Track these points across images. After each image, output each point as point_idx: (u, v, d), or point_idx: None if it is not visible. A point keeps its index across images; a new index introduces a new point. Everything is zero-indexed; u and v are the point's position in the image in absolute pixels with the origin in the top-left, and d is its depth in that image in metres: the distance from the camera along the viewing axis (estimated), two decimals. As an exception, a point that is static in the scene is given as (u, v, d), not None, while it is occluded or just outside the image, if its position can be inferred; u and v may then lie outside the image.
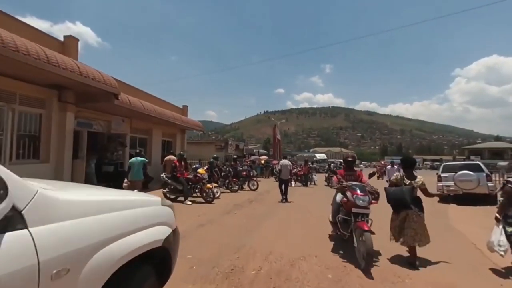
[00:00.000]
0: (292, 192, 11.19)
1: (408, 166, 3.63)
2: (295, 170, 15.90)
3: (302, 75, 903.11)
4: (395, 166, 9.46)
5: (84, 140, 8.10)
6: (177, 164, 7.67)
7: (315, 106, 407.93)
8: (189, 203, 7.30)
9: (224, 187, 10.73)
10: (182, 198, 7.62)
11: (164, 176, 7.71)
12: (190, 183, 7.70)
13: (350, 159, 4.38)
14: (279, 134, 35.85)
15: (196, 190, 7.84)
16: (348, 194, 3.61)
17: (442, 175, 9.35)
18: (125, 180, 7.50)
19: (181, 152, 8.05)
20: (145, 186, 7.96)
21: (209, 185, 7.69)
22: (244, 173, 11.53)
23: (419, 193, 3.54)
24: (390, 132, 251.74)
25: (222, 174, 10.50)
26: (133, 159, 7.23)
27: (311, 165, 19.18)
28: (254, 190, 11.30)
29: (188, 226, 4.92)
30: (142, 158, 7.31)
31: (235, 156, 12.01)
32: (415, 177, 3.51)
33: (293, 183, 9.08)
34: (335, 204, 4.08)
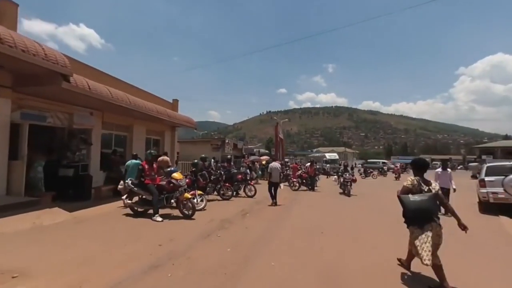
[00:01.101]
0: (298, 200, 9.28)
1: (421, 169, 3.01)
2: (299, 172, 14.05)
3: (304, 75, 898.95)
4: (449, 170, 7.27)
5: (24, 136, 6.27)
6: (145, 167, 5.82)
7: (317, 106, 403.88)
8: (160, 219, 5.44)
9: (216, 193, 8.88)
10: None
11: (130, 182, 5.87)
12: (164, 192, 5.84)
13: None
14: (282, 133, 33.79)
15: (172, 201, 5.98)
16: None
17: (487, 179, 7.41)
18: (121, 182, 6.96)
19: (151, 151, 6.14)
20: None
21: (187, 194, 5.81)
22: (240, 176, 9.66)
23: None
24: (394, 131, 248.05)
25: (212, 178, 8.63)
26: (129, 161, 7.24)
27: (316, 166, 17.31)
28: (251, 196, 9.42)
29: (129, 272, 3.06)
30: (137, 161, 7.17)
31: (229, 156, 10.15)
32: (430, 182, 2.93)
33: (281, 185, 8.15)
34: None
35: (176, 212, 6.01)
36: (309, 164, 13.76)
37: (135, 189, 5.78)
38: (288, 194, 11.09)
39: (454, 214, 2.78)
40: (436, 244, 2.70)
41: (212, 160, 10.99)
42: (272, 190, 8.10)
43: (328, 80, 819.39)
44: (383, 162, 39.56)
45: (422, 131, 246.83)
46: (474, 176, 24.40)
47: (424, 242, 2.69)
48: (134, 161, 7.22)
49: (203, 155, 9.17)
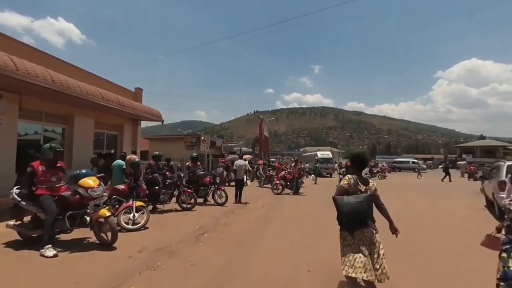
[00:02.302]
0: (281, 208, 7.40)
1: (359, 166, 2.59)
2: (283, 172, 12.31)
3: (291, 76, 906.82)
4: None
5: None
6: (37, 169, 3.72)
7: (304, 106, 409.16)
8: (51, 254, 3.37)
9: (180, 202, 6.85)
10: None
11: (15, 193, 3.76)
12: (70, 208, 3.77)
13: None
14: (267, 131, 31.80)
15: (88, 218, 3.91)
16: None
17: (487, 182, 5.96)
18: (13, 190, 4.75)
19: (52, 144, 3.91)
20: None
21: (104, 211, 3.76)
22: (207, 178, 7.68)
23: None
24: (377, 131, 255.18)
25: (168, 182, 6.60)
26: (115, 162, 6.69)
27: (301, 166, 15.71)
28: (222, 204, 7.49)
29: None
30: (122, 162, 6.65)
31: (194, 155, 8.12)
32: (368, 181, 2.53)
33: (248, 182, 7.20)
34: None
35: (93, 238, 3.97)
36: (293, 163, 12.04)
37: (23, 203, 3.68)
38: (269, 200, 9.26)
39: (387, 216, 2.50)
40: (371, 255, 2.30)
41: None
42: (237, 189, 7.97)
43: (315, 81, 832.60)
44: (413, 161, 33.32)
45: (404, 132, 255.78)
46: (462, 175, 23.96)
47: (350, 251, 2.31)
48: (119, 161, 6.54)
49: (156, 153, 7.09)
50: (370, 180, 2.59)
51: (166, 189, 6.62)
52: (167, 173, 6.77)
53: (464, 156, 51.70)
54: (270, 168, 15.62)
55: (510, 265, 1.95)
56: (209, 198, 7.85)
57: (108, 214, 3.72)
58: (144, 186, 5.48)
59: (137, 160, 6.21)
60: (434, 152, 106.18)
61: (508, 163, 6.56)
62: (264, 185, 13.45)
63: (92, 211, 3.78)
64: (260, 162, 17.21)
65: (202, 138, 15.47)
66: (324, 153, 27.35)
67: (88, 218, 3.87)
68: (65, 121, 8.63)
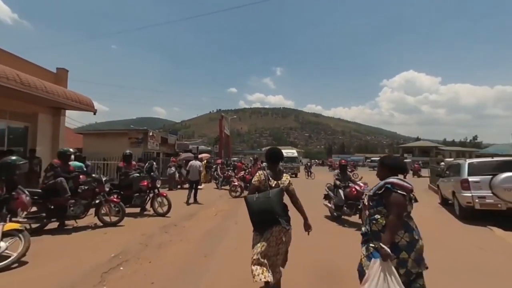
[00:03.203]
0: (236, 218, 6.15)
1: (274, 161, 2.44)
2: (242, 173, 11.19)
3: (254, 76, 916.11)
4: None
5: None
6: None
7: (267, 106, 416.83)
8: None
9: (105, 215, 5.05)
10: None
11: None
12: None
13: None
14: (228, 129, 30.27)
15: None
16: None
17: (471, 179, 5.83)
18: None
19: None
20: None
21: None
22: (144, 182, 6.02)
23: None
24: (333, 133, 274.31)
25: (82, 189, 4.79)
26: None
27: (262, 165, 14.83)
28: (163, 214, 5.94)
29: None
30: (79, 163, 6.16)
31: (127, 152, 6.28)
32: (281, 176, 2.40)
33: (202, 185, 6.42)
34: None
35: None
36: (252, 163, 10.99)
37: None
38: (225, 205, 7.97)
39: (302, 212, 2.39)
40: (279, 254, 2.22)
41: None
42: (192, 189, 8.00)
43: (277, 82, 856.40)
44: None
45: (356, 133, 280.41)
46: (408, 172, 26.19)
47: (259, 252, 2.14)
48: (76, 163, 6.05)
49: (63, 149, 5.12)
50: (285, 174, 2.45)
51: (79, 198, 4.79)
52: (80, 176, 4.93)
53: (405, 155, 58.43)
54: (229, 168, 14.29)
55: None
56: (148, 206, 6.21)
57: None
58: (26, 198, 3.64)
59: (13, 158, 4.02)
60: (380, 152, 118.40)
61: (468, 161, 6.50)
62: (222, 187, 12.11)
63: None
64: (219, 161, 15.79)
65: (150, 133, 13.26)
66: (288, 151, 24.75)
67: None
68: None
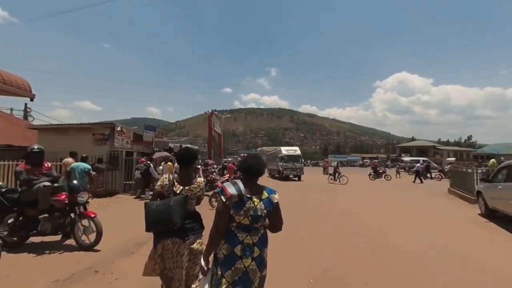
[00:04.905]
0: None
1: (184, 162, 2.15)
2: (227, 177, 9.08)
3: (249, 76, 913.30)
4: None
5: None
6: None
7: (262, 107, 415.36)
8: None
9: None
10: None
11: None
12: None
13: None
14: (219, 127, 28.00)
15: None
16: None
17: (497, 187, 3.86)
18: None
19: None
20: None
21: None
22: (61, 196, 3.81)
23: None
24: (328, 133, 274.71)
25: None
26: (75, 164, 6.41)
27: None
28: (89, 247, 3.76)
29: None
30: (87, 165, 6.45)
31: (35, 148, 4.10)
32: (191, 181, 2.08)
33: None
34: None
35: None
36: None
37: None
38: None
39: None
40: (178, 267, 1.92)
41: None
42: None
43: (272, 83, 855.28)
44: (423, 160, 25.44)
45: (350, 134, 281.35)
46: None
47: (152, 271, 1.96)
48: (83, 164, 6.41)
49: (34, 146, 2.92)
50: (199, 180, 2.14)
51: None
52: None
53: (403, 155, 57.34)
54: (214, 170, 12.12)
55: None
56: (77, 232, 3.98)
57: None
58: None
59: None
60: (375, 152, 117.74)
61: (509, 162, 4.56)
62: (205, 193, 9.92)
63: None
64: (210, 162, 13.66)
65: (118, 128, 10.97)
66: (290, 149, 20.80)
67: None
68: None
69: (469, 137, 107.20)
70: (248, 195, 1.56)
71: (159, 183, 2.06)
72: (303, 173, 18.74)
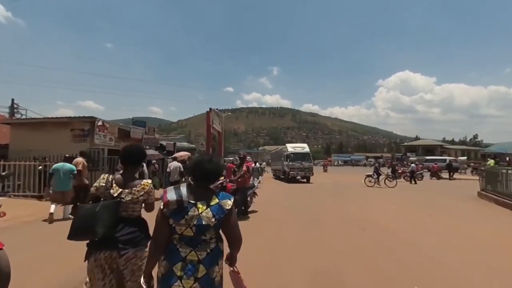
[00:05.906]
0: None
1: (128, 162, 1.89)
2: (222, 180, 7.72)
3: (251, 76, 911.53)
4: None
5: None
6: None
7: (264, 106, 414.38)
8: None
9: None
10: None
11: None
12: None
13: None
14: (219, 124, 26.71)
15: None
16: None
17: None
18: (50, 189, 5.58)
19: None
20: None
21: None
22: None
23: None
24: (330, 132, 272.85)
25: None
26: (58, 164, 5.83)
27: (256, 166, 11.46)
28: None
29: None
30: (72, 166, 5.84)
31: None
32: (134, 183, 1.81)
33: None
34: None
35: None
36: (238, 161, 7.67)
37: None
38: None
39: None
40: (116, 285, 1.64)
41: None
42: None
43: (274, 82, 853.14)
44: (450, 160, 25.84)
45: (353, 133, 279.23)
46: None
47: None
48: (67, 165, 5.78)
49: None
50: (144, 182, 1.84)
51: None
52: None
53: (409, 154, 55.78)
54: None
55: None
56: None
57: None
58: None
59: None
60: (379, 151, 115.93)
61: None
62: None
63: None
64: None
65: (99, 123, 9.69)
66: (297, 145, 18.16)
67: None
68: None
69: (475, 136, 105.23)
70: (192, 201, 1.32)
71: (95, 184, 1.85)
72: (312, 173, 16.24)
